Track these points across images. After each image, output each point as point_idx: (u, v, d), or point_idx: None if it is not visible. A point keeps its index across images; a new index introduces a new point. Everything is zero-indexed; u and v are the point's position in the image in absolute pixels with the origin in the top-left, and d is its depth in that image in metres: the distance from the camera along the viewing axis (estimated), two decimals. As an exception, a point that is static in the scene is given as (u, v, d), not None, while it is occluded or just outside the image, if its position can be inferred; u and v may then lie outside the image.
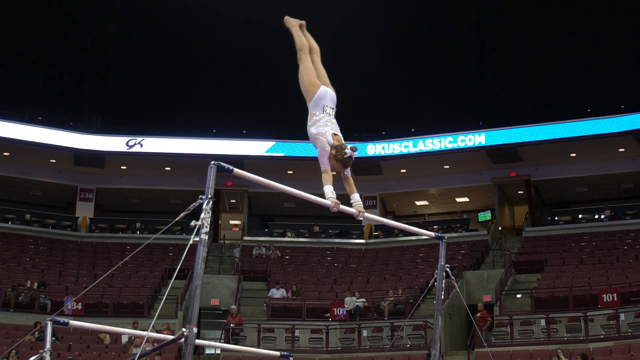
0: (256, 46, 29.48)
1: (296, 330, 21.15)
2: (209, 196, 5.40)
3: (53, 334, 7.62)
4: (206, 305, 23.26)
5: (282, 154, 28.21)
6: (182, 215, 5.74)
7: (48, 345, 6.77)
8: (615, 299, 19.53)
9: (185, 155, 28.06)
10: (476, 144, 27.33)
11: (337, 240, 28.52)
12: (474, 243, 26.81)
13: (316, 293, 23.63)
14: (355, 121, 27.60)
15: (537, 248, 25.42)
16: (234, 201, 30.26)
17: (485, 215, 28.93)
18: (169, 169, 28.91)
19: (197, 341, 6.06)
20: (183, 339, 5.21)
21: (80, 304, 21.48)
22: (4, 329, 20.37)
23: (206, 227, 5.32)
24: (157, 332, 16.94)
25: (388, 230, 28.20)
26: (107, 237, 27.69)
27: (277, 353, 7.85)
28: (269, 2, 27.39)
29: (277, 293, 23.14)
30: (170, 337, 6.18)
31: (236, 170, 5.71)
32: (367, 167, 27.82)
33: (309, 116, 6.56)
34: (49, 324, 6.72)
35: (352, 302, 21.95)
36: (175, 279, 8.11)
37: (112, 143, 27.90)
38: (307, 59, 6.72)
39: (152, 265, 25.59)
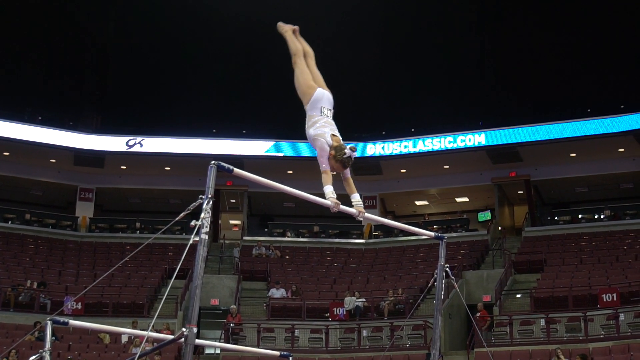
0: (256, 46, 29.46)
1: (296, 330, 21.16)
2: (209, 196, 5.40)
3: (53, 334, 7.63)
4: (206, 305, 23.26)
5: (282, 154, 28.21)
6: (182, 215, 5.75)
7: (48, 345, 6.77)
8: (615, 299, 19.54)
9: (185, 155, 28.07)
10: (476, 144, 27.34)
11: (337, 240, 28.53)
12: (473, 243, 26.82)
13: (316, 293, 23.64)
14: (355, 121, 27.61)
15: (536, 248, 25.42)
16: (234, 201, 30.27)
17: (485, 215, 28.95)
18: (168, 168, 28.92)
19: (197, 341, 6.06)
20: (183, 339, 5.22)
21: (80, 303, 21.51)
22: (3, 329, 20.39)
23: (206, 227, 5.32)
24: (157, 331, 16.94)
25: (388, 230, 28.20)
26: (107, 236, 27.70)
27: (277, 353, 7.85)
28: (269, 2, 27.41)
29: (277, 293, 23.15)
30: (170, 336, 6.18)
31: (236, 170, 5.72)
32: (366, 167, 27.82)
33: (307, 118, 6.61)
34: (49, 323, 6.72)
35: (351, 302, 21.96)
36: (175, 278, 8.12)
37: (112, 143, 27.91)
38: (302, 62, 6.80)
39: (152, 265, 25.60)
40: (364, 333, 21.09)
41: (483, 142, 27.27)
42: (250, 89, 31.13)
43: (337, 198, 6.34)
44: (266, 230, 29.59)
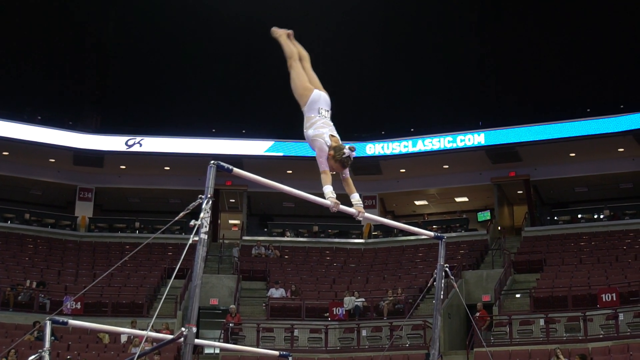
0: (256, 46, 29.45)
1: (295, 330, 21.16)
2: (209, 196, 5.40)
3: (52, 334, 7.64)
4: (205, 305, 23.26)
5: (281, 154, 28.20)
6: (181, 214, 5.75)
7: (47, 344, 6.76)
8: (614, 299, 19.54)
9: (185, 155, 28.06)
10: (475, 143, 27.34)
11: (337, 240, 28.53)
12: (473, 243, 26.82)
13: (315, 293, 23.64)
14: (354, 121, 27.63)
15: (536, 248, 25.42)
16: (233, 201, 30.27)
17: (485, 215, 28.96)
18: (168, 168, 28.92)
19: (196, 341, 6.07)
20: (182, 339, 5.22)
21: (79, 303, 21.49)
22: (3, 329, 20.38)
23: (205, 226, 5.32)
24: (156, 331, 16.93)
25: (387, 230, 28.20)
26: (106, 236, 27.69)
27: (276, 353, 7.85)
28: (269, 2, 27.41)
29: (276, 293, 23.15)
30: (170, 336, 6.18)
31: (235, 169, 5.72)
32: (366, 167, 27.81)
33: (305, 120, 6.63)
34: (48, 323, 6.72)
35: (351, 301, 21.96)
36: (174, 278, 8.11)
37: (112, 142, 27.90)
38: (298, 65, 6.84)
39: (151, 265, 25.60)
40: (364, 333, 21.09)
41: (482, 142, 27.27)
42: (250, 89, 31.14)
43: (337, 198, 6.35)
44: (265, 230, 29.59)
